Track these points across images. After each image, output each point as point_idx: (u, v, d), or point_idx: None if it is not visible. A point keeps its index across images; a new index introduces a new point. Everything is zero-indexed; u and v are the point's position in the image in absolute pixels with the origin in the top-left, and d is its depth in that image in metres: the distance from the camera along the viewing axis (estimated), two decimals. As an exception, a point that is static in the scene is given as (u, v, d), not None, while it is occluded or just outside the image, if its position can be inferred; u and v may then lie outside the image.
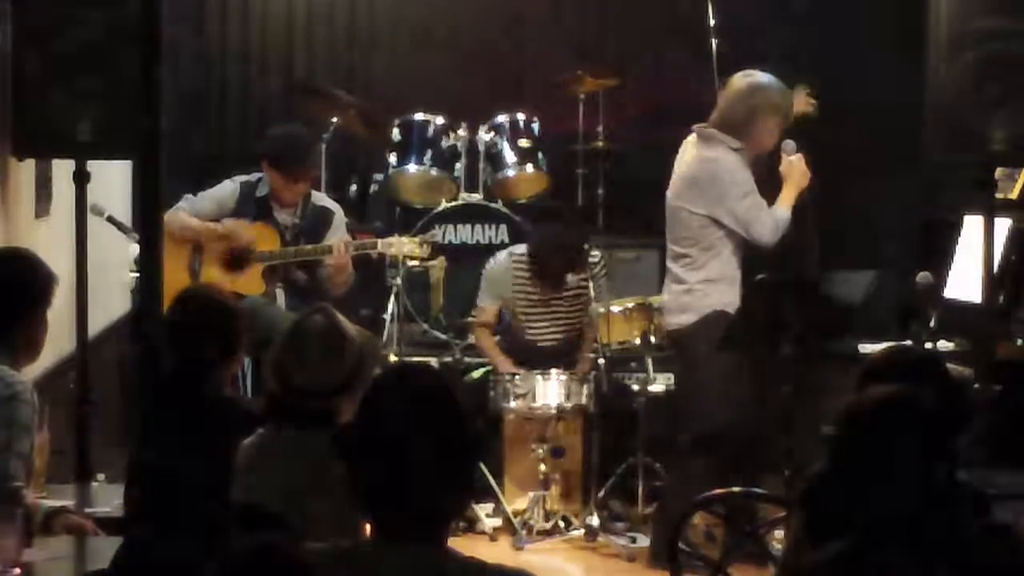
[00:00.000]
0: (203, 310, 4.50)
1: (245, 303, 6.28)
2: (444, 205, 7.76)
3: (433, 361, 7.08)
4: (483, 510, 6.66)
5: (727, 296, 5.98)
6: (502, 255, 7.09)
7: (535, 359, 6.89)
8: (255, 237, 6.81)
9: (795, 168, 6.11)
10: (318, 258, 6.82)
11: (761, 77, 6.11)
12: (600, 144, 8.05)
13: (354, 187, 8.26)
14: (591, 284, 6.74)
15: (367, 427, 2.61)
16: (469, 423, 2.63)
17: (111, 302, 7.21)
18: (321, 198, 7.09)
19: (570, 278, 6.86)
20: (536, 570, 2.88)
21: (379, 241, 6.89)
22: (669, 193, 6.15)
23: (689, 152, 6.11)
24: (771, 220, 6.00)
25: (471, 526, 6.61)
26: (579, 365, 6.85)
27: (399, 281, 7.08)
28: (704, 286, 6.00)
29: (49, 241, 5.77)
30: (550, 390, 6.58)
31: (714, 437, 5.96)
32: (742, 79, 6.11)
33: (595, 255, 6.89)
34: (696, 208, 6.00)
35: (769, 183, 6.16)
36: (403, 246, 6.81)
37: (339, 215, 7.01)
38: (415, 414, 2.59)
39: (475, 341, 7.12)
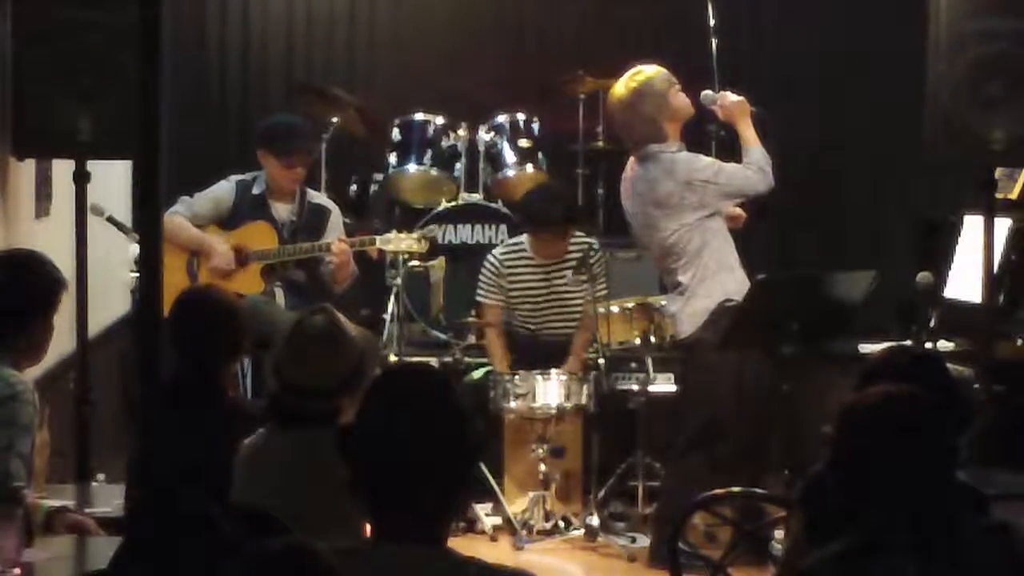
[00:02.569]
0: (205, 310, 4.51)
1: (244, 302, 6.28)
2: (444, 205, 7.76)
3: (433, 361, 7.09)
4: (483, 510, 6.66)
5: (730, 285, 5.98)
6: (497, 248, 7.19)
7: (536, 355, 6.91)
8: (233, 265, 6.78)
9: (729, 108, 6.11)
10: (316, 256, 6.82)
11: (634, 76, 6.10)
12: (600, 144, 8.04)
13: (354, 187, 8.26)
14: (590, 284, 6.73)
15: (367, 427, 2.62)
16: (469, 423, 2.63)
17: (111, 302, 7.21)
18: (317, 196, 7.09)
19: (570, 276, 6.86)
20: (536, 570, 2.88)
21: (378, 238, 6.89)
22: (638, 218, 6.13)
23: (641, 177, 6.09)
24: (754, 171, 6.01)
25: (471, 526, 6.61)
26: (569, 362, 6.84)
27: (399, 281, 7.09)
28: (706, 284, 5.99)
29: (49, 241, 5.77)
30: (550, 390, 6.58)
31: (711, 436, 5.97)
32: (622, 90, 6.08)
33: (595, 250, 6.89)
34: (685, 220, 5.97)
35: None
36: (401, 242, 6.81)
37: (336, 213, 7.01)
38: (415, 414, 2.59)
39: (485, 341, 7.11)
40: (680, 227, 5.99)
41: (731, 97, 6.12)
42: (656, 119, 6.02)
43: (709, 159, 6.10)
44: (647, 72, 6.10)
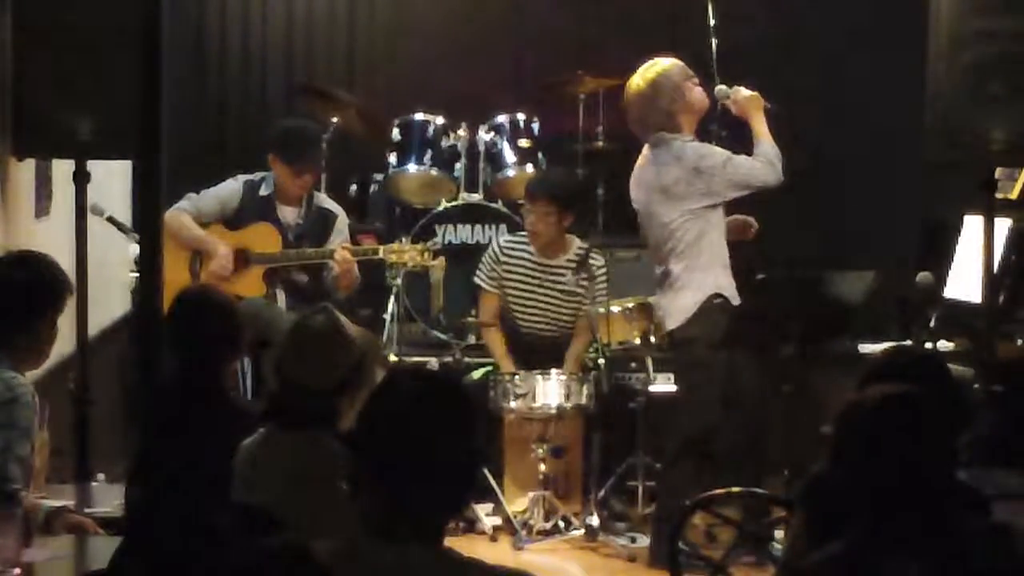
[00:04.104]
0: (203, 310, 4.51)
1: (245, 304, 6.28)
2: (444, 205, 7.76)
3: (433, 361, 7.10)
4: (483, 510, 6.66)
5: (721, 279, 5.99)
6: (504, 236, 7.35)
7: (526, 352, 6.93)
8: (230, 271, 6.78)
9: (743, 102, 6.11)
10: (319, 261, 6.82)
11: (651, 69, 6.11)
12: (600, 144, 8.04)
13: (354, 187, 8.26)
14: (590, 285, 6.74)
15: (370, 427, 2.62)
16: (473, 427, 2.63)
17: (111, 302, 7.21)
18: (324, 200, 7.09)
19: (570, 278, 6.86)
20: (536, 570, 2.88)
21: (382, 248, 6.89)
22: (641, 206, 6.15)
23: (651, 163, 6.10)
24: (763, 163, 6.00)
25: (471, 526, 6.61)
26: (566, 363, 6.85)
27: (399, 281, 7.09)
28: (697, 276, 5.99)
29: (49, 241, 5.77)
30: (550, 390, 6.58)
31: (707, 436, 5.97)
32: (639, 82, 6.09)
33: (596, 258, 6.90)
34: (688, 207, 5.98)
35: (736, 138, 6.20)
36: (404, 254, 6.82)
37: (342, 218, 7.01)
38: (419, 416, 2.59)
39: (484, 341, 7.13)
40: (681, 215, 5.99)
41: (744, 92, 6.13)
42: (671, 111, 6.04)
43: (719, 149, 6.10)
44: (664, 64, 6.11)
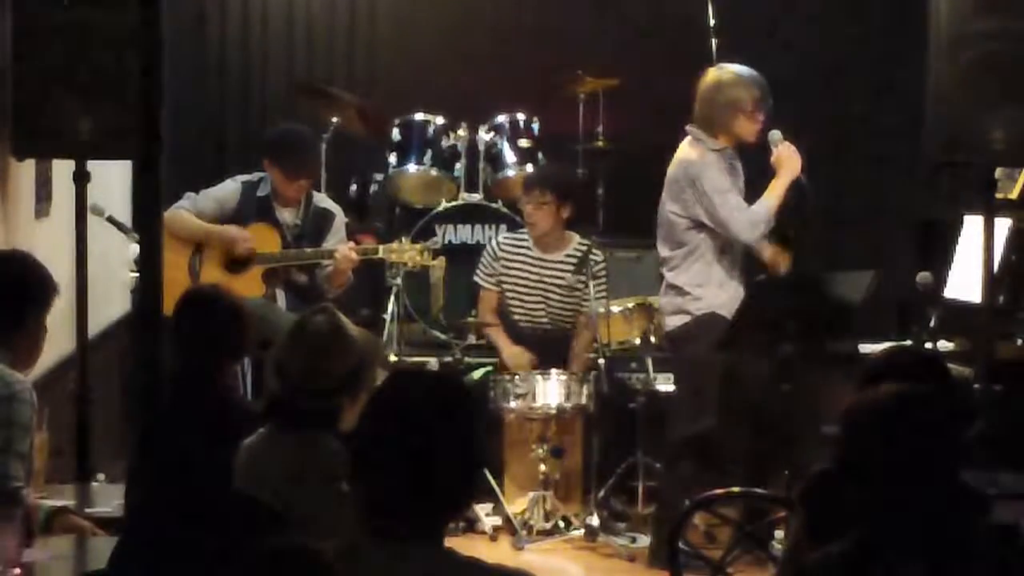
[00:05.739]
0: (214, 310, 4.51)
1: (245, 304, 6.27)
2: (444, 205, 7.76)
3: (433, 361, 7.10)
4: (483, 510, 6.66)
5: (718, 299, 5.98)
6: (502, 234, 7.41)
7: (524, 345, 6.94)
8: (254, 246, 6.79)
9: (784, 157, 6.03)
10: (319, 262, 6.82)
11: (731, 71, 6.08)
12: (600, 144, 8.04)
13: (354, 187, 8.26)
14: (590, 284, 6.74)
15: (371, 428, 2.62)
16: (475, 428, 2.63)
17: (111, 302, 7.21)
18: (322, 199, 7.09)
19: (569, 277, 6.87)
20: (536, 570, 2.88)
21: (381, 247, 6.90)
22: (663, 195, 6.17)
23: (678, 153, 6.11)
24: (747, 217, 5.94)
25: (471, 526, 6.61)
26: (572, 363, 6.85)
27: (399, 281, 7.09)
28: (692, 289, 6.00)
29: (49, 241, 5.77)
30: (550, 390, 6.58)
31: (707, 436, 5.97)
32: (712, 74, 6.08)
33: (597, 255, 6.90)
34: (678, 210, 6.00)
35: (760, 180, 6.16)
36: (404, 253, 6.82)
37: (340, 217, 7.02)
38: (420, 416, 2.59)
39: (484, 334, 7.13)
40: (671, 212, 6.00)
41: (792, 151, 6.02)
42: (716, 118, 6.00)
43: (723, 180, 6.00)
44: (748, 78, 6.04)
